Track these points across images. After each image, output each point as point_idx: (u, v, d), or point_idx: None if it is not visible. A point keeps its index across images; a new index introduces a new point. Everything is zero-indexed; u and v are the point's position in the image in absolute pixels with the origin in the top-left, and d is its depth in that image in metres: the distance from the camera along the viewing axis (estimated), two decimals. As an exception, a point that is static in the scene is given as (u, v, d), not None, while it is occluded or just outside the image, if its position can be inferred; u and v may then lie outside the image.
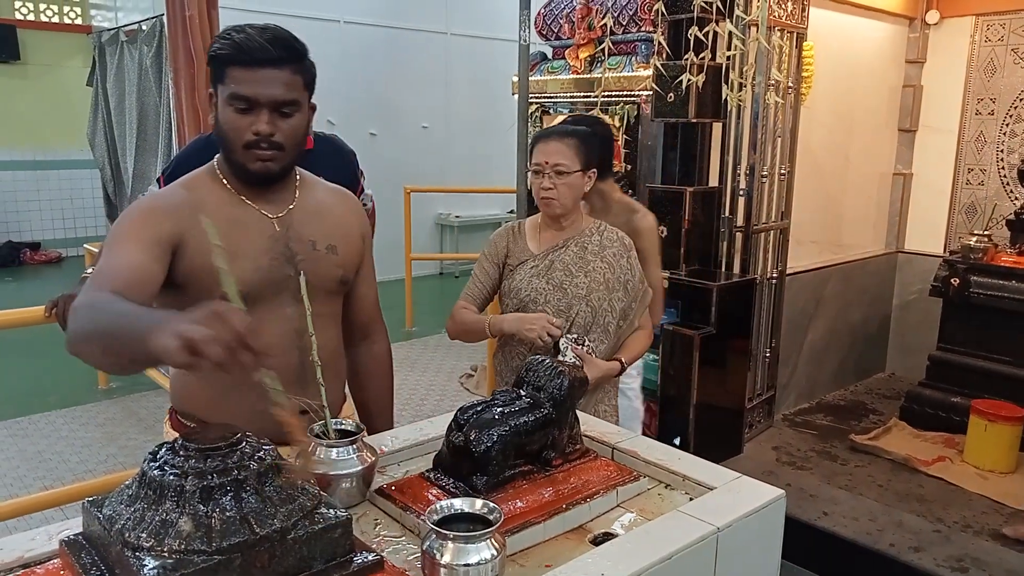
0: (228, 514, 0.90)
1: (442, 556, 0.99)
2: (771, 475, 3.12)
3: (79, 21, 9.02)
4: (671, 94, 2.95)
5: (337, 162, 2.56)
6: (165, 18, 4.36)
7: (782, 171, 3.42)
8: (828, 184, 4.05)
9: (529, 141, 4.34)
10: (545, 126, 4.23)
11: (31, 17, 8.81)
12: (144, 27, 6.39)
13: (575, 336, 2.06)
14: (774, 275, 3.50)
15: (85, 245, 4.61)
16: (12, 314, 2.48)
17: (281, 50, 1.39)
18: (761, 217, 3.35)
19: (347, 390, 1.76)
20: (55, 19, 8.99)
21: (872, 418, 3.88)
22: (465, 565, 0.99)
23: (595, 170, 2.14)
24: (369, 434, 1.30)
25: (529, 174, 2.19)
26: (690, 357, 2.93)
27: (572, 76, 4.05)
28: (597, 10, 3.87)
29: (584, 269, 2.12)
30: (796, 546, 2.67)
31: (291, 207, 1.52)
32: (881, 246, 4.51)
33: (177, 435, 1.49)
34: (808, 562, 2.59)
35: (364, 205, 2.83)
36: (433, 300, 7.23)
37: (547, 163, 2.07)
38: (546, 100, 4.22)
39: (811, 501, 2.95)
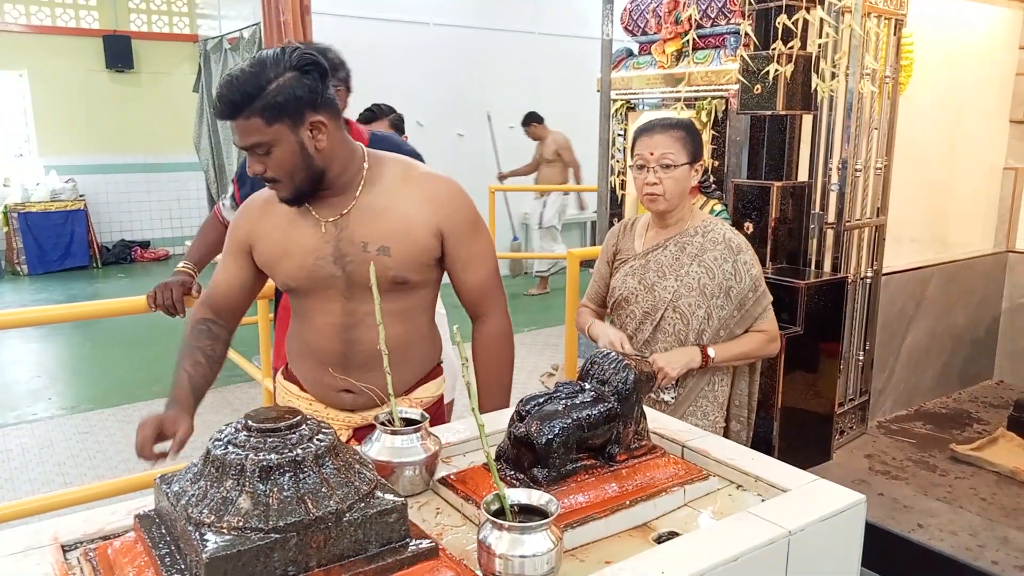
0: (286, 493, 0.92)
1: (497, 546, 0.99)
2: (863, 484, 2.98)
3: (187, 31, 9.52)
4: (758, 86, 2.85)
5: None
6: (262, 24, 4.54)
7: (878, 165, 3.25)
8: (930, 179, 3.83)
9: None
10: (630, 123, 4.17)
11: (144, 28, 9.36)
12: (245, 34, 6.68)
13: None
14: (868, 274, 3.33)
15: (188, 243, 4.86)
16: (121, 303, 2.65)
17: (227, 106, 1.45)
18: (855, 213, 3.19)
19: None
20: (165, 29, 9.52)
21: (976, 427, 3.64)
22: (520, 556, 0.98)
23: (702, 163, 2.07)
24: (481, 411, 1.28)
25: (631, 170, 2.10)
26: (775, 358, 2.82)
27: (658, 71, 3.98)
28: (685, 3, 3.79)
29: (677, 272, 2.04)
30: (887, 558, 2.54)
31: (345, 211, 1.59)
32: (990, 245, 4.23)
33: (288, 385, 1.79)
34: (900, 576, 2.45)
35: None
36: (515, 299, 7.25)
37: (652, 155, 1.98)
38: (631, 96, 4.16)
39: (905, 512, 2.79)
